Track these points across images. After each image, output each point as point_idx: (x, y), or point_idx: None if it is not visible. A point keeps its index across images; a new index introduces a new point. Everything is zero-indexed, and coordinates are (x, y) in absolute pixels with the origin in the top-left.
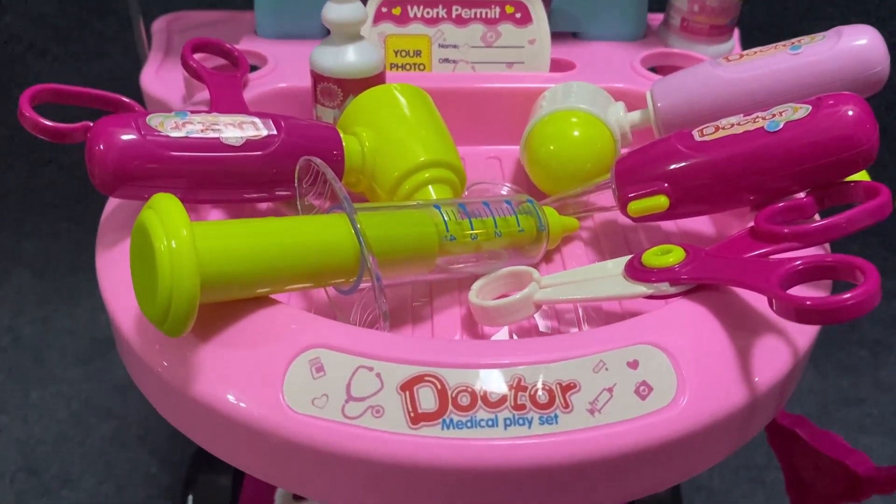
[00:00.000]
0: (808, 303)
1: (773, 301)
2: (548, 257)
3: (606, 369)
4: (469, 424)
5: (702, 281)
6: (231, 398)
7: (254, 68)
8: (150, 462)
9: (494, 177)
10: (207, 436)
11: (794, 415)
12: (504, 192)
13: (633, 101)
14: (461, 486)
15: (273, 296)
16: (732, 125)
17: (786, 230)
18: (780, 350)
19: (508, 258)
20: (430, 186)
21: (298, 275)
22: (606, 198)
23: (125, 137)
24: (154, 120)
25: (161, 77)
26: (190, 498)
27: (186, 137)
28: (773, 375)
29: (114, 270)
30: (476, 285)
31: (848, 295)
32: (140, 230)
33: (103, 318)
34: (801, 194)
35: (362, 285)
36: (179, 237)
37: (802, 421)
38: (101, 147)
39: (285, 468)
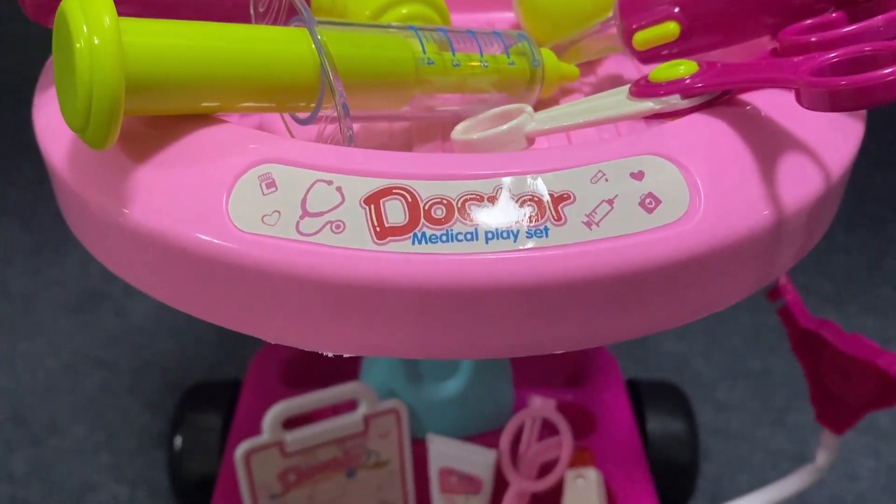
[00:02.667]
0: (843, 83)
1: (802, 92)
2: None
3: (606, 180)
4: (444, 238)
5: (719, 87)
6: (167, 219)
7: None
8: (142, 411)
9: None
10: (145, 272)
11: (819, 318)
12: None
13: None
14: (435, 307)
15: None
16: None
17: (813, 38)
18: (810, 170)
19: (497, 102)
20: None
21: (245, 88)
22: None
23: None
24: None
25: None
26: (178, 439)
27: None
28: (801, 196)
29: (50, 105)
30: (460, 126)
31: (889, 70)
32: (60, 20)
33: (94, 268)
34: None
35: (325, 113)
36: (101, 26)
37: (828, 325)
38: None
39: (233, 299)
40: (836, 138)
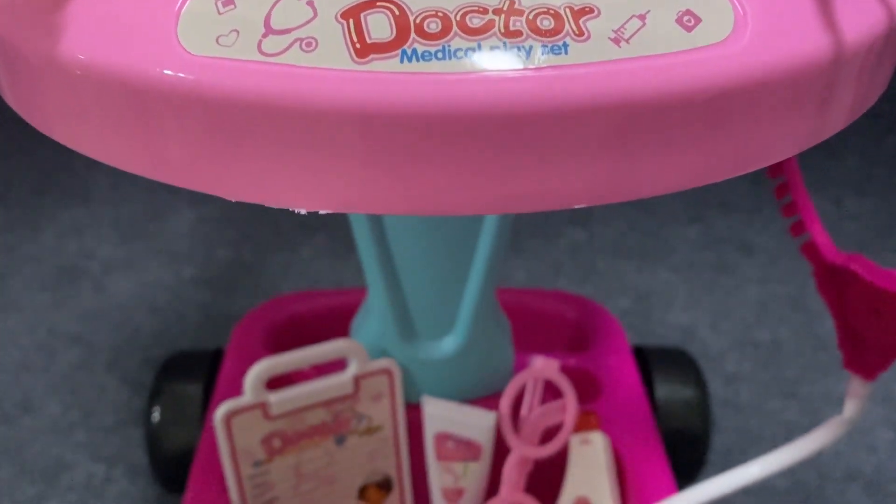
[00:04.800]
0: None
1: None
2: None
3: None
4: (440, 55)
5: None
6: (103, 48)
7: None
8: (120, 388)
9: None
10: (84, 125)
11: (848, 253)
12: None
13: None
14: (430, 139)
15: None
16: None
17: None
18: (872, 4)
19: None
20: None
21: None
22: None
23: None
24: None
25: None
26: (156, 411)
27: None
28: (862, 29)
29: None
30: None
31: None
32: None
33: (71, 244)
34: None
35: None
36: None
37: (859, 259)
38: None
39: (183, 144)
40: None
